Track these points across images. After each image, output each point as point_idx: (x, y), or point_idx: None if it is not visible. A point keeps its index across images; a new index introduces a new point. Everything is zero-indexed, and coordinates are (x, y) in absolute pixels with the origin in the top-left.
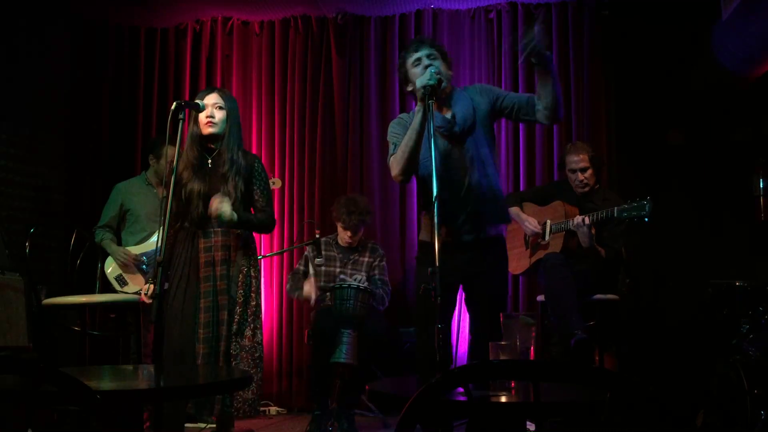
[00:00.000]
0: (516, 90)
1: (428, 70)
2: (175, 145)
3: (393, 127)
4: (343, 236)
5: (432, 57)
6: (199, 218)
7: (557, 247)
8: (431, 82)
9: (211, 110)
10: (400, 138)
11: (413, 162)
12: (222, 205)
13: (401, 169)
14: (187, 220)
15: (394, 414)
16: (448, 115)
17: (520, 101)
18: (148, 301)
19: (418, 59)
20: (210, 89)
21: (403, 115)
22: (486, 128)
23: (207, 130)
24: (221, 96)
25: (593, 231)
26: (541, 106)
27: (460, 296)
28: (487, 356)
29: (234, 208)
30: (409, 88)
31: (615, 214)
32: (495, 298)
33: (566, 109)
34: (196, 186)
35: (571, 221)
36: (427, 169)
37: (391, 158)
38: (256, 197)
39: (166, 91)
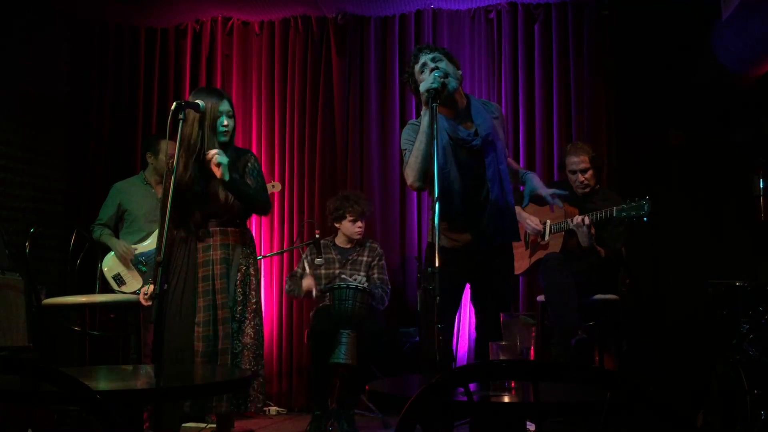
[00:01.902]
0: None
1: (432, 73)
2: (171, 140)
3: (406, 133)
4: (352, 230)
5: (436, 60)
6: (196, 224)
7: (557, 247)
8: (434, 86)
9: (227, 120)
10: (413, 144)
11: (426, 167)
12: (220, 156)
13: (416, 176)
14: (184, 224)
15: (394, 414)
16: (470, 128)
17: None
18: (146, 303)
19: (424, 64)
20: (220, 94)
21: (416, 120)
22: (502, 144)
23: (222, 139)
24: (231, 104)
25: (593, 231)
26: None
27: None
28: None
29: (229, 205)
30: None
31: (614, 214)
32: (501, 298)
33: (566, 109)
34: (190, 187)
35: (570, 221)
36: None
37: (405, 167)
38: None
39: (166, 90)
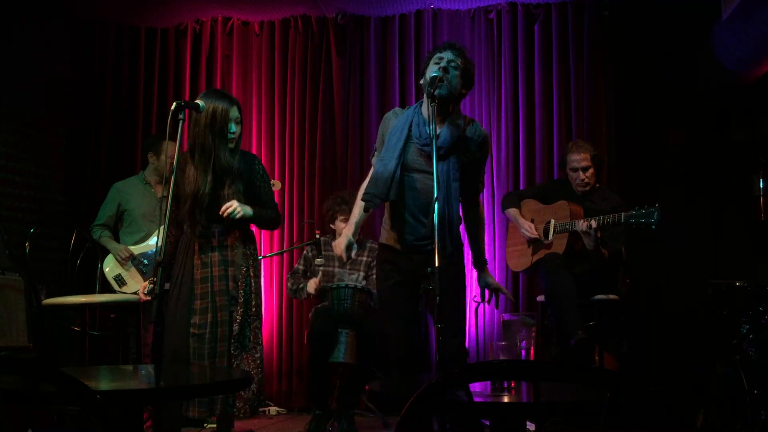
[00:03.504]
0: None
1: (437, 66)
2: (172, 141)
3: (381, 126)
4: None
5: (453, 65)
6: (200, 226)
7: (560, 248)
8: (434, 74)
9: (236, 126)
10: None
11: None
12: (233, 208)
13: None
14: (188, 226)
15: (394, 414)
16: (437, 130)
17: (466, 188)
18: (145, 298)
19: (440, 59)
20: (231, 100)
21: (394, 111)
22: (461, 166)
23: (231, 146)
24: (239, 110)
25: (599, 234)
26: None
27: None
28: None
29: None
30: (421, 81)
31: (622, 220)
32: (451, 293)
33: (566, 108)
34: (197, 191)
35: (576, 223)
36: (385, 170)
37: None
38: (261, 195)
39: (166, 91)
